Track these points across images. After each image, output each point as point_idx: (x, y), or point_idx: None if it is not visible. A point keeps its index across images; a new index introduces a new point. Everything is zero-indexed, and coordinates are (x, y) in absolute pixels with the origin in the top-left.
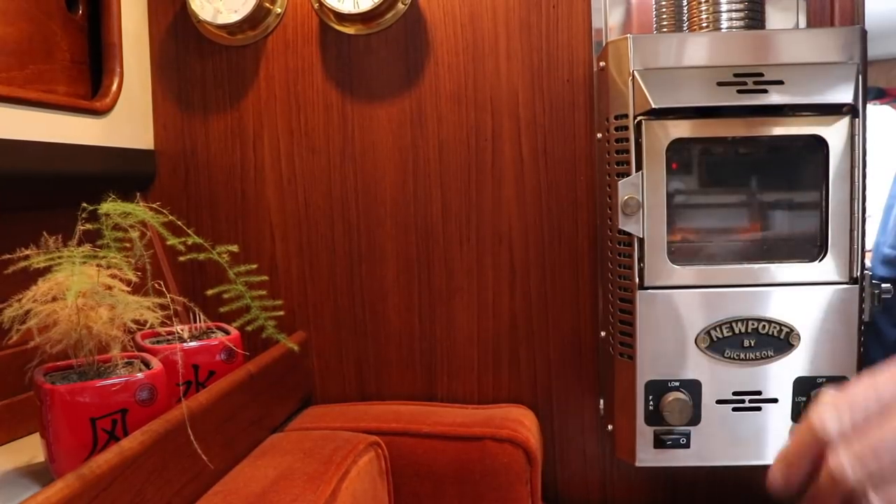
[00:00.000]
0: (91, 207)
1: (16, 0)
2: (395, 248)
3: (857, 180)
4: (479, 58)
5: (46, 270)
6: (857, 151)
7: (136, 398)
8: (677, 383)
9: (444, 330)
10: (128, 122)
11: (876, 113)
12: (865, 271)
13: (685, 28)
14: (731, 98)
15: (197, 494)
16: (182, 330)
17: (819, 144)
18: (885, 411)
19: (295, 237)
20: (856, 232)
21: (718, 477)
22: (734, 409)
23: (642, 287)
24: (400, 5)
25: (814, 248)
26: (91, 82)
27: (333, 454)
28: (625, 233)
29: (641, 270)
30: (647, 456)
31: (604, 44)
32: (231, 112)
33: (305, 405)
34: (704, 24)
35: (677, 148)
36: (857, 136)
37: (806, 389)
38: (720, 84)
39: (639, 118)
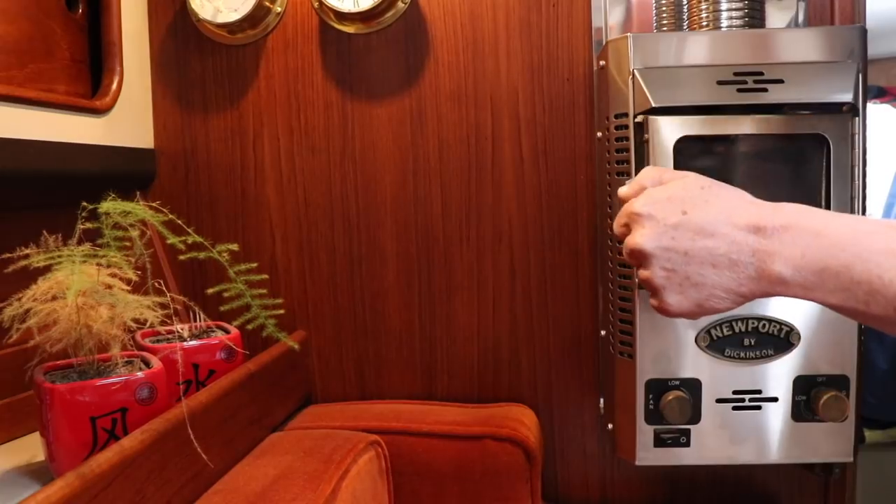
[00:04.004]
0: (91, 206)
1: None
2: (395, 247)
3: (857, 179)
4: (479, 57)
5: (46, 269)
6: (857, 150)
7: (136, 397)
8: (677, 382)
9: (444, 329)
10: (128, 121)
11: (876, 112)
12: None
13: (685, 27)
14: (731, 97)
15: (197, 493)
16: (182, 329)
17: (819, 143)
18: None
19: (295, 236)
20: None
21: (718, 476)
22: (734, 408)
23: (642, 286)
24: (400, 4)
25: None
26: (91, 81)
27: (333, 453)
28: None
29: None
30: (648, 455)
31: (604, 43)
32: (231, 111)
33: (305, 404)
34: (704, 23)
35: (680, 147)
36: (857, 135)
37: (806, 388)
38: (720, 83)
39: (642, 115)
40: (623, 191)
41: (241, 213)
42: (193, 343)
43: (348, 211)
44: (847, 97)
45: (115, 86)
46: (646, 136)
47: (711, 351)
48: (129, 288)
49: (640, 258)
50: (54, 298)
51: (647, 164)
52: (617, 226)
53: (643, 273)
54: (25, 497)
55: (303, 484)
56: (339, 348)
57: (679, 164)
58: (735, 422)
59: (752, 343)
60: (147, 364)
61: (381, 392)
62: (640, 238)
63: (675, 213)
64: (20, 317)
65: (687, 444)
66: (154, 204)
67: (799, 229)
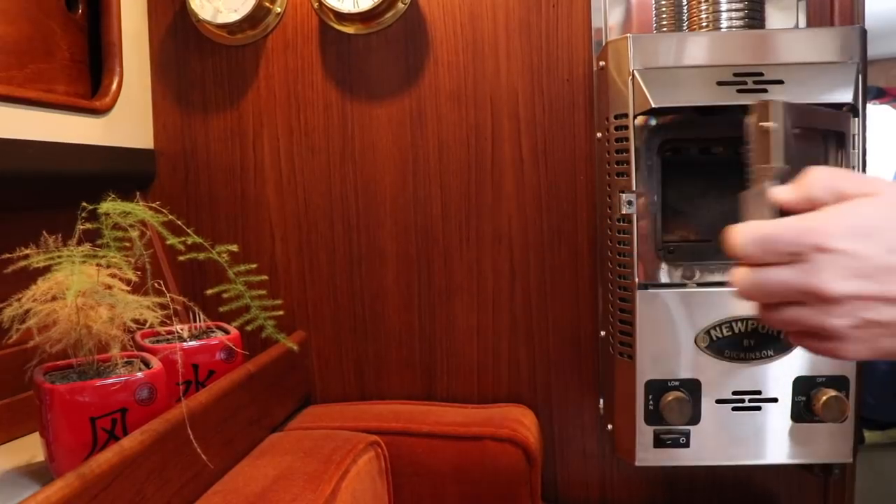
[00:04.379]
0: (91, 207)
1: None
2: (394, 248)
3: None
4: (479, 57)
5: (46, 270)
6: (856, 151)
7: (135, 397)
8: (677, 383)
9: (444, 329)
10: (128, 121)
11: (876, 112)
12: None
13: (685, 27)
14: (730, 97)
15: (197, 494)
16: (182, 329)
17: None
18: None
19: (295, 237)
20: None
21: (718, 476)
22: (734, 409)
23: (642, 286)
24: (400, 5)
25: None
26: (91, 82)
27: (333, 453)
28: (624, 232)
29: (641, 270)
30: (647, 455)
31: (603, 43)
32: (231, 111)
33: (305, 404)
34: (704, 24)
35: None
36: (856, 136)
37: (806, 389)
38: (720, 83)
39: (758, 95)
40: (784, 196)
41: (240, 214)
42: (193, 343)
43: (348, 211)
44: (847, 98)
45: (114, 86)
46: (765, 123)
47: (711, 352)
48: (128, 288)
49: (819, 300)
50: (54, 299)
51: (759, 162)
52: (764, 251)
53: (813, 317)
54: (25, 497)
55: (302, 484)
56: (338, 349)
57: (680, 164)
58: (735, 422)
59: (752, 344)
60: (147, 364)
61: (381, 392)
62: (831, 280)
63: (881, 250)
64: (20, 317)
65: (686, 445)
66: (154, 204)
67: None
